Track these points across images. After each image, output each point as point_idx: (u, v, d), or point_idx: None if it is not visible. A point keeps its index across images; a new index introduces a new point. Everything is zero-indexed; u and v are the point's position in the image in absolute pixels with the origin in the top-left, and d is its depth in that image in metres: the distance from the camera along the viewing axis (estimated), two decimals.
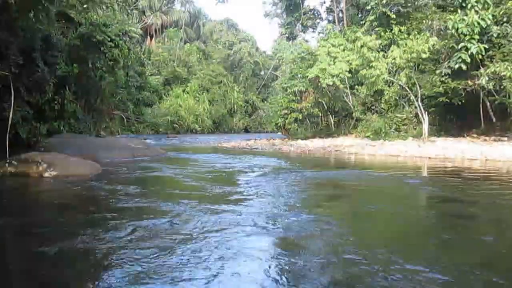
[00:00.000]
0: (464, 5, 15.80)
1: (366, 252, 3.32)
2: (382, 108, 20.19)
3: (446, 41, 16.33)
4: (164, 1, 49.23)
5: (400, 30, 18.45)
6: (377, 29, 20.10)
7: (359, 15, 28.12)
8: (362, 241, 3.75)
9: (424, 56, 16.21)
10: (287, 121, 25.69)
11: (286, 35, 36.30)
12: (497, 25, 15.39)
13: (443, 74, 15.97)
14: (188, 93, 42.41)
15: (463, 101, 15.98)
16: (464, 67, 15.22)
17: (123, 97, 21.53)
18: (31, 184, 7.09)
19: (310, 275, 2.85)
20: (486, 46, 15.10)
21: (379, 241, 3.80)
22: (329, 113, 24.37)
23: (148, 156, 12.33)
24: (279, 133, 29.57)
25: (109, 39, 13.45)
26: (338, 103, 22.75)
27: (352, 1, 28.75)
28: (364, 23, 22.13)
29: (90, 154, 10.10)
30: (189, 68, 45.89)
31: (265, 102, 46.90)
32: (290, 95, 25.40)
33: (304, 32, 35.74)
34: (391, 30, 18.80)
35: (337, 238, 3.76)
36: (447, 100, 16.08)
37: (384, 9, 19.68)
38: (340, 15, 30.18)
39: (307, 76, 21.96)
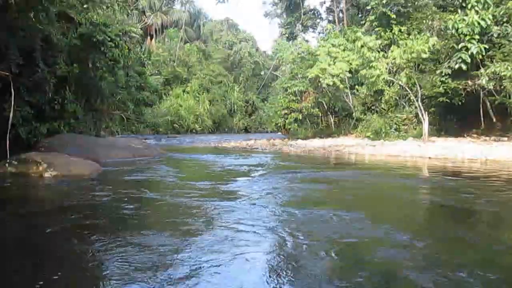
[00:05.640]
0: (464, 5, 15.80)
1: (365, 254, 3.32)
2: (382, 108, 20.19)
3: (446, 41, 16.33)
4: (164, 1, 49.19)
5: (400, 30, 18.45)
6: (377, 29, 20.11)
7: (359, 15, 28.18)
8: (358, 242, 3.75)
9: (424, 56, 16.21)
10: (287, 121, 25.70)
11: (286, 35, 36.31)
12: (497, 25, 15.39)
13: (443, 74, 15.96)
14: (188, 93, 42.39)
15: (463, 101, 15.98)
16: (464, 67, 15.22)
17: (123, 97, 21.45)
18: (31, 184, 7.08)
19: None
20: (486, 46, 15.10)
21: (377, 242, 3.79)
22: (329, 113, 24.38)
23: (148, 156, 12.33)
24: (279, 133, 29.58)
25: (109, 39, 13.40)
26: (338, 103, 22.76)
27: (352, 1, 28.79)
28: (364, 23, 22.13)
29: (90, 154, 10.09)
30: (189, 68, 45.85)
31: (265, 102, 46.85)
32: (290, 95, 25.40)
33: (304, 32, 35.82)
34: (391, 30, 18.81)
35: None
36: (447, 100, 16.08)
37: (384, 9, 19.68)
38: (340, 15, 30.22)
39: (307, 76, 21.96)
